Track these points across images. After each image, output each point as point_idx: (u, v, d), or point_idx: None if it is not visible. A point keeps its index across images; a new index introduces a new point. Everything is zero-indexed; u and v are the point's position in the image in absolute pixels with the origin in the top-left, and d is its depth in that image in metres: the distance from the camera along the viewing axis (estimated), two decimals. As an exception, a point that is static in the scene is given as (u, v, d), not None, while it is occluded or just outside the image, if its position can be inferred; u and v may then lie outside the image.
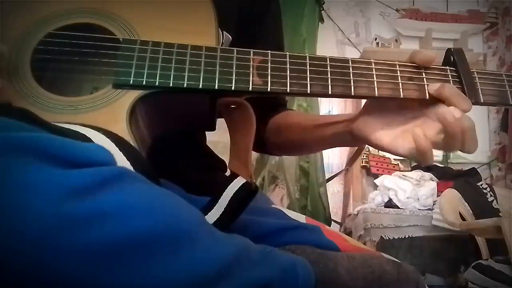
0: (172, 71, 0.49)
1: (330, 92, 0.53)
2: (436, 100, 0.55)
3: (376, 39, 3.52)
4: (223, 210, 0.47)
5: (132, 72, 0.49)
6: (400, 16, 3.58)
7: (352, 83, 0.53)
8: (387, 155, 3.23)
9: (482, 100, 0.56)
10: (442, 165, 3.13)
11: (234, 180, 0.49)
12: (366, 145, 3.07)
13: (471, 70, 0.57)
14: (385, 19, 3.60)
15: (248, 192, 0.48)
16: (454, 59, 0.58)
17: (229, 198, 0.47)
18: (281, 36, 0.79)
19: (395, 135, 0.56)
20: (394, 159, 3.21)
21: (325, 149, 0.78)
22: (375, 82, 0.54)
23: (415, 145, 0.54)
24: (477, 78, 0.57)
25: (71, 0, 0.54)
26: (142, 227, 0.29)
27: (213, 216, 0.46)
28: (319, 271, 0.45)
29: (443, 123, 0.53)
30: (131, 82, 0.48)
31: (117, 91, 0.49)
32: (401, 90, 0.55)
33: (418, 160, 0.56)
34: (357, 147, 3.08)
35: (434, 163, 3.07)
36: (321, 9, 3.39)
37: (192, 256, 0.31)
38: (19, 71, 0.49)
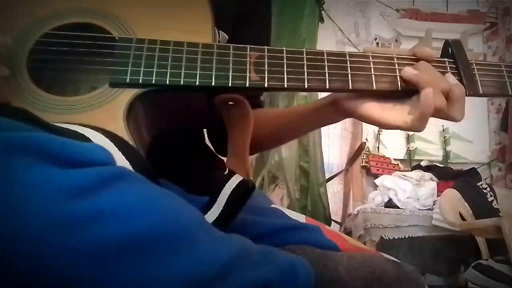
0: (169, 68, 0.49)
1: (327, 87, 0.53)
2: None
3: (376, 39, 3.52)
4: (221, 209, 0.46)
5: (129, 70, 0.49)
6: (400, 16, 3.58)
7: (349, 77, 0.53)
8: (387, 155, 3.23)
9: (481, 91, 0.56)
10: (442, 165, 3.13)
11: (231, 178, 0.49)
12: (366, 145, 3.09)
13: (470, 62, 0.57)
14: (385, 19, 3.60)
15: (245, 190, 0.48)
16: (452, 50, 0.58)
17: (226, 197, 0.47)
18: (269, 35, 0.79)
19: (386, 107, 0.55)
20: (394, 159, 3.21)
21: (306, 131, 0.76)
22: (373, 76, 0.54)
23: (423, 100, 0.51)
24: (476, 70, 0.57)
25: (69, 0, 0.54)
26: (142, 227, 0.29)
27: (212, 215, 0.46)
28: (319, 271, 0.45)
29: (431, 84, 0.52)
30: (128, 80, 0.48)
31: (114, 90, 0.49)
32: (399, 83, 0.55)
33: (411, 130, 0.54)
34: (357, 148, 3.09)
35: (434, 163, 3.08)
36: (321, 9, 3.40)
37: (192, 256, 0.31)
38: (16, 71, 0.49)
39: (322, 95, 0.62)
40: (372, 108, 0.56)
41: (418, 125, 0.53)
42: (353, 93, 0.57)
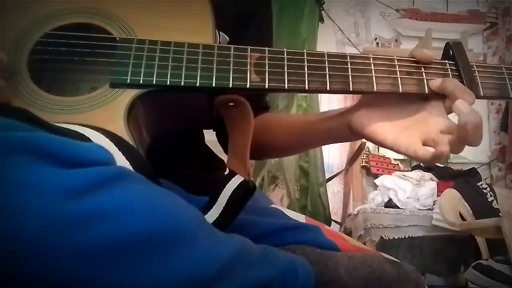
0: (169, 69, 0.49)
1: (328, 88, 0.52)
2: (436, 94, 0.54)
3: (376, 39, 3.52)
4: (222, 209, 0.46)
5: (129, 71, 0.49)
6: (400, 16, 3.58)
7: (350, 79, 0.53)
8: (387, 155, 3.23)
9: (482, 94, 0.56)
10: (442, 165, 3.13)
11: (232, 179, 0.49)
12: (366, 145, 3.09)
13: (471, 64, 0.57)
14: (385, 19, 3.61)
15: (246, 191, 0.48)
16: (453, 52, 0.57)
17: (227, 197, 0.47)
18: (271, 37, 0.79)
19: (397, 133, 0.55)
20: (394, 159, 3.21)
21: (320, 146, 0.76)
22: (374, 77, 0.54)
23: (437, 151, 0.52)
24: (476, 72, 0.56)
25: (69, 0, 0.54)
26: (142, 226, 0.29)
27: (212, 215, 0.46)
28: (319, 271, 0.45)
29: (460, 115, 0.51)
30: (128, 81, 0.48)
31: (114, 90, 0.49)
32: (400, 85, 0.54)
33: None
34: (357, 148, 3.09)
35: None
36: (321, 9, 3.40)
37: (192, 256, 0.31)
38: (17, 71, 0.49)
39: (322, 95, 0.62)
40: (383, 133, 0.55)
41: (426, 162, 0.54)
42: (363, 113, 0.57)
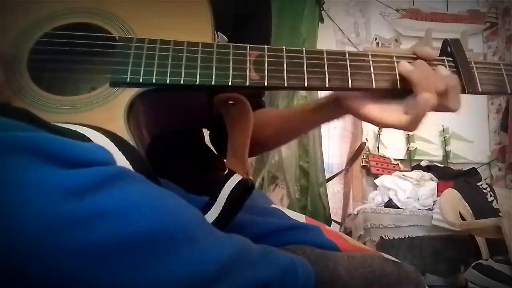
0: (169, 68, 0.49)
1: (327, 85, 0.53)
2: None
3: (376, 39, 3.52)
4: (221, 208, 0.47)
5: (129, 70, 0.49)
6: (400, 16, 3.58)
7: (349, 76, 0.53)
8: (387, 155, 3.23)
9: (480, 90, 0.56)
10: (442, 165, 3.14)
11: (231, 178, 0.49)
12: (366, 145, 3.09)
13: (469, 60, 0.57)
14: (385, 19, 3.60)
15: (244, 189, 0.48)
16: (451, 49, 0.58)
17: (226, 196, 0.47)
18: (270, 37, 0.80)
19: (384, 106, 0.56)
20: (394, 159, 3.21)
21: (307, 130, 0.76)
22: (373, 74, 0.54)
23: (421, 104, 0.52)
24: (474, 68, 0.57)
25: (69, 0, 0.54)
26: (142, 226, 0.29)
27: (212, 215, 0.46)
28: (319, 271, 0.45)
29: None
30: (128, 80, 0.48)
31: (114, 90, 0.49)
32: (398, 81, 0.55)
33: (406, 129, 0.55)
34: (357, 148, 3.09)
35: (434, 163, 3.08)
36: (321, 9, 3.40)
37: (192, 256, 0.31)
38: (17, 71, 0.49)
39: (322, 94, 0.63)
40: (370, 107, 0.56)
41: (411, 126, 0.54)
42: (353, 92, 0.57)
